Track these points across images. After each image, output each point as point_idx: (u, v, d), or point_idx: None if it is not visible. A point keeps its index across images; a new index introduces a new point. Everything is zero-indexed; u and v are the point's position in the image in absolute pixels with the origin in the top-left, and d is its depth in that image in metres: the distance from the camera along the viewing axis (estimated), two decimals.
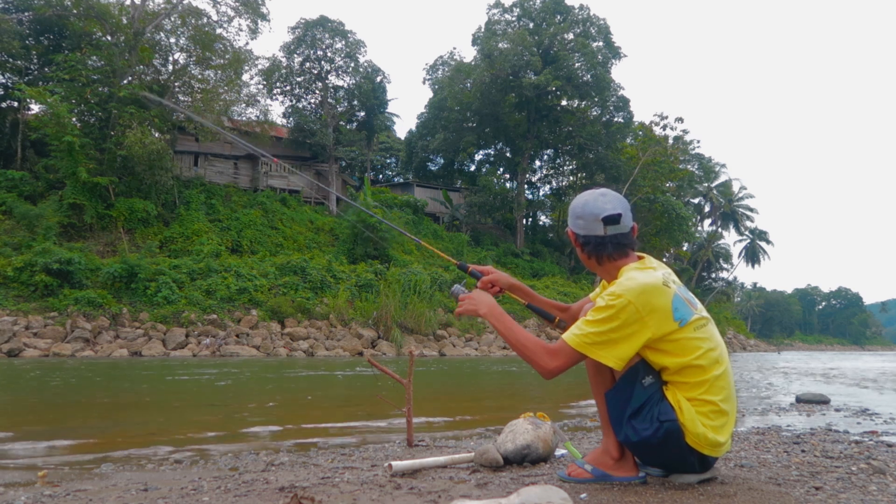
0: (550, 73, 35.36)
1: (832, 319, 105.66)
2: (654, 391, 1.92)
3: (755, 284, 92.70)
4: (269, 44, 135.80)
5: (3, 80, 25.21)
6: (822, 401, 5.93)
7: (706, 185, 51.16)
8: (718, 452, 1.94)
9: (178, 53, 27.46)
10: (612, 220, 1.96)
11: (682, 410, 1.88)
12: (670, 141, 39.47)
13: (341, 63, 34.75)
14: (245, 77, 28.94)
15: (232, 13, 27.64)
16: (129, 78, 24.59)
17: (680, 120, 38.91)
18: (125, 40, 24.38)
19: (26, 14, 24.72)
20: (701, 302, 2.07)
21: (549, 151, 43.05)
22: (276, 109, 47.25)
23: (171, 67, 27.25)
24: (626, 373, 1.95)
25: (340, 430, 4.18)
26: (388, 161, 49.85)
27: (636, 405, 1.92)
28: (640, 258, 2.03)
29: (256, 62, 29.86)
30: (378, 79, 36.25)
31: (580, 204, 2.03)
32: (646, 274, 1.92)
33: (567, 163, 43.57)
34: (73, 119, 22.49)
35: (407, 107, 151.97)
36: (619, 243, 1.99)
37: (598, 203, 1.99)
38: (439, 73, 42.21)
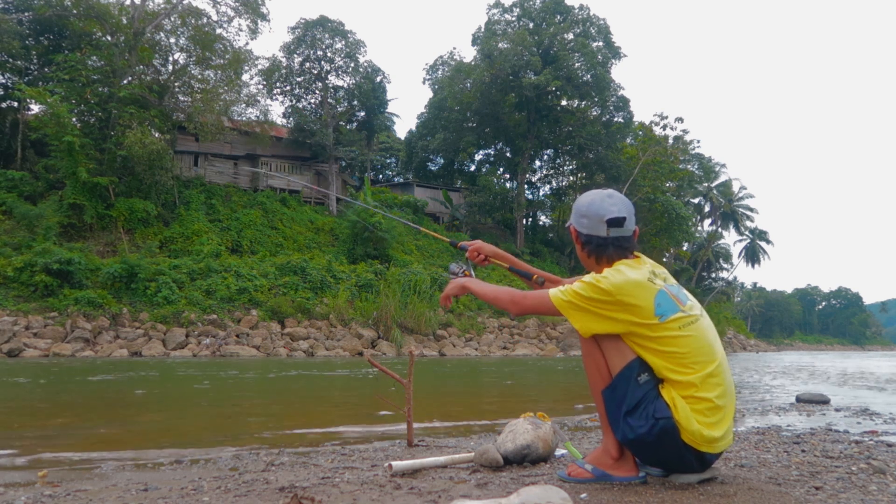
0: (550, 73, 35.36)
1: (832, 319, 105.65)
2: (650, 389, 1.93)
3: (755, 284, 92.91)
4: (269, 44, 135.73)
5: (3, 80, 25.23)
6: (822, 400, 5.92)
7: (706, 185, 51.11)
8: (716, 449, 1.94)
9: (178, 53, 27.53)
10: (616, 222, 2.00)
11: (676, 408, 1.90)
12: (670, 141, 39.51)
13: (341, 63, 34.73)
14: (245, 77, 28.99)
15: (232, 13, 27.71)
16: (129, 78, 24.60)
17: (680, 120, 39.03)
18: (125, 40, 24.40)
19: (26, 14, 24.73)
20: (701, 302, 2.08)
21: (549, 151, 43.05)
22: (276, 109, 47.24)
23: (171, 67, 27.28)
24: (621, 371, 1.97)
25: (340, 431, 4.18)
26: (388, 161, 49.86)
27: (632, 403, 1.93)
28: (635, 257, 2.05)
29: (256, 62, 29.91)
30: (378, 79, 36.23)
31: (586, 203, 2.06)
32: (633, 270, 1.96)
33: (567, 163, 43.57)
34: (73, 119, 22.50)
35: (407, 107, 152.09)
36: (621, 246, 2.03)
37: (605, 204, 2.02)
38: (439, 73, 42.21)
